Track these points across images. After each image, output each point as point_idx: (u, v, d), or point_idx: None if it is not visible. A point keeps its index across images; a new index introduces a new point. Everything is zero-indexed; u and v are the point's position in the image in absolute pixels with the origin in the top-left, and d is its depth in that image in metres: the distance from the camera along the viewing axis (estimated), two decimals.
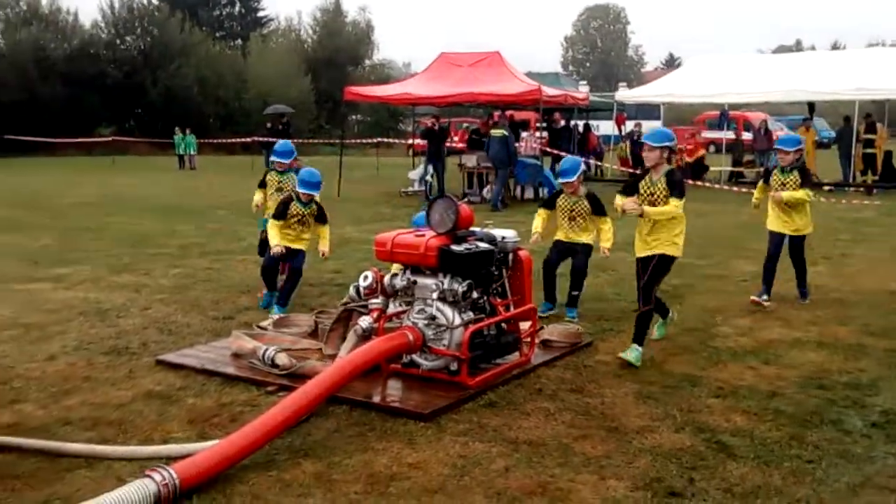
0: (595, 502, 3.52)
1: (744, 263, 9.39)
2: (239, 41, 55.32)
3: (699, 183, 18.91)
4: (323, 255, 7.48)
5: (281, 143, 8.24)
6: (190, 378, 5.22)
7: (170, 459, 3.79)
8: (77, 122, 38.70)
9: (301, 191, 7.18)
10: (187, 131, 30.77)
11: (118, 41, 44.28)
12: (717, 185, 18.99)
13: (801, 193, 7.20)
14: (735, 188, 18.02)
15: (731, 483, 3.72)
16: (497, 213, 14.65)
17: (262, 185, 8.21)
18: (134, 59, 43.22)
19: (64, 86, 38.98)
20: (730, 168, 22.76)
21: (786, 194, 7.22)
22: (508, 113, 19.51)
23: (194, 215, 14.60)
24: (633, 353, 5.45)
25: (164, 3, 47.16)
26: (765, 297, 7.32)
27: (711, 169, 22.68)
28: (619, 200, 5.76)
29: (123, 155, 33.68)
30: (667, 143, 5.63)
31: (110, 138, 34.86)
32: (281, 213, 7.18)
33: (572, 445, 4.14)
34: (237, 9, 60.75)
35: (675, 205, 5.55)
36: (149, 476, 3.43)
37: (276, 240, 7.01)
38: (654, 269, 5.56)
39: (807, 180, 7.31)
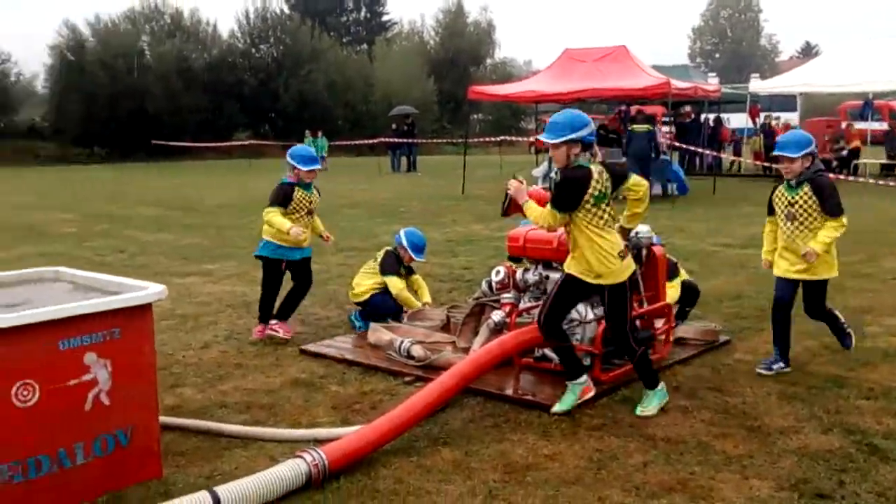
0: (738, 501, 3.44)
1: (894, 261, 8.84)
2: (365, 46, 56.93)
3: (850, 178, 17.89)
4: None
5: (301, 148, 6.47)
6: (332, 367, 5.48)
7: (318, 442, 4.00)
8: (217, 127, 41.05)
9: (415, 257, 6.56)
10: (319, 134, 31.90)
11: (253, 50, 46.60)
12: (869, 180, 17.93)
13: (826, 234, 4.91)
14: (891, 182, 16.97)
15: (884, 487, 3.55)
16: None
17: (285, 203, 6.06)
18: (268, 67, 45.36)
19: (205, 94, 41.39)
20: (884, 161, 21.41)
21: (816, 244, 4.89)
22: (635, 108, 19.13)
23: (327, 214, 15.14)
24: None
25: (296, 11, 49.23)
26: (777, 365, 5.15)
27: (859, 161, 21.41)
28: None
29: (259, 158, 35.36)
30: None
31: (247, 142, 36.70)
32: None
33: (712, 443, 4.06)
34: (363, 14, 62.56)
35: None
36: (300, 457, 3.64)
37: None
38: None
39: (829, 201, 4.90)
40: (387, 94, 44.62)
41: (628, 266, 4.41)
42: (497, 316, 5.20)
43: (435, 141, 38.56)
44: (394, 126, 30.03)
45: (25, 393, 3.23)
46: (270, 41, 46.97)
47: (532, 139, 27.42)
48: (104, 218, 14.91)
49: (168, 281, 8.57)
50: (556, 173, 17.91)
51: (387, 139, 30.02)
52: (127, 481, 3.60)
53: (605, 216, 4.32)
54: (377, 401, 4.81)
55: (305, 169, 6.13)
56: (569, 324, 4.93)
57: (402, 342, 5.44)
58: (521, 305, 5.39)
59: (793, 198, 5.01)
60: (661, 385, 4.57)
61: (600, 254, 4.28)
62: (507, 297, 5.33)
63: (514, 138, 35.51)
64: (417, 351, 5.36)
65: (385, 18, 62.53)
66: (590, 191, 4.22)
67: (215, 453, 4.02)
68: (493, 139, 33.21)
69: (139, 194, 20.16)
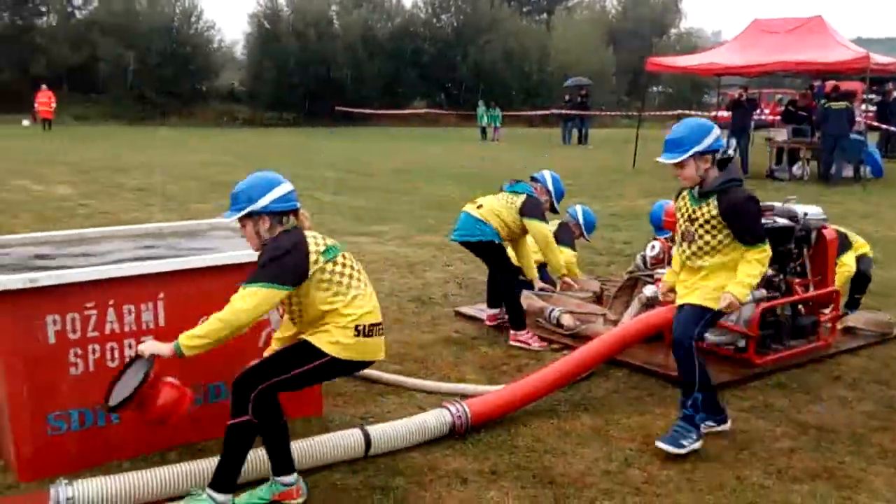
0: (888, 495, 3.29)
1: None
2: (544, 15, 56.39)
3: None
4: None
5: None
6: (483, 329, 5.69)
7: (463, 396, 4.22)
8: (395, 95, 42.46)
9: (586, 235, 6.47)
10: (492, 104, 32.17)
11: (434, 19, 47.53)
12: None
13: (748, 272, 3.64)
14: None
15: None
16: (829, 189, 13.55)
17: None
18: (447, 36, 46.13)
19: (386, 62, 42.84)
20: None
21: (736, 288, 3.62)
22: (831, 83, 17.79)
23: (494, 184, 15.41)
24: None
25: None
26: (708, 424, 3.87)
27: None
28: None
29: (433, 126, 36.28)
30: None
31: (423, 111, 37.71)
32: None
33: (868, 436, 3.87)
34: None
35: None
36: (446, 408, 3.87)
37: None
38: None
39: (744, 225, 3.65)
40: (563, 64, 44.11)
41: None
42: (649, 291, 5.17)
43: (609, 113, 37.77)
44: (567, 98, 29.70)
45: None
46: (451, 10, 47.68)
47: (713, 114, 26.23)
48: (291, 179, 15.94)
49: (340, 239, 9.16)
50: (734, 150, 16.82)
51: (559, 111, 29.79)
52: (292, 415, 3.97)
53: None
54: (523, 364, 4.97)
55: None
56: None
57: (552, 310, 5.54)
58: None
59: (694, 212, 3.79)
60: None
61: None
62: (662, 272, 5.27)
63: (693, 112, 34.06)
64: (567, 320, 5.45)
65: None
66: None
67: (370, 398, 4.35)
68: (670, 113, 32.05)
69: (321, 157, 21.35)
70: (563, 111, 29.14)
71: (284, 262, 3.05)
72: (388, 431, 3.67)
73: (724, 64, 17.85)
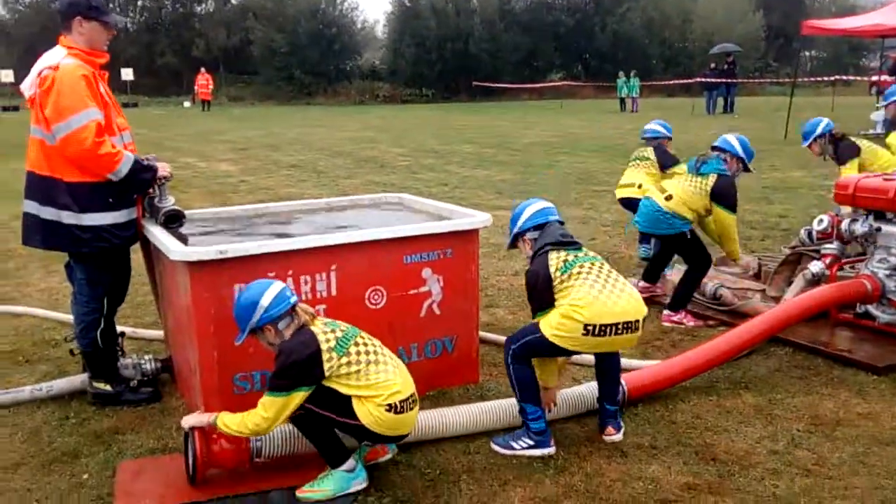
0: None
1: None
2: None
3: None
4: None
5: None
6: None
7: None
8: (532, 69, 42.15)
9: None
10: (632, 74, 31.33)
11: None
12: None
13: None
14: None
15: None
16: None
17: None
18: (585, 7, 45.20)
19: (523, 35, 42.57)
20: None
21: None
22: None
23: (626, 155, 15.07)
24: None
25: None
26: None
27: None
28: None
29: (571, 98, 35.75)
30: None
31: (560, 83, 37.21)
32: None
33: None
34: None
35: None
36: None
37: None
38: None
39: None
40: (706, 30, 42.29)
41: None
42: (816, 267, 4.94)
43: (757, 80, 35.88)
44: (713, 65, 28.44)
45: (376, 297, 3.86)
46: None
47: (874, 78, 24.34)
48: (430, 153, 16.28)
49: (484, 210, 9.26)
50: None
51: (703, 79, 28.59)
52: (450, 382, 4.14)
53: None
54: (677, 340, 4.89)
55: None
56: None
57: (709, 285, 5.41)
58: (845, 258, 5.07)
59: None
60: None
61: None
62: (830, 247, 5.03)
63: (851, 77, 31.75)
64: (725, 294, 5.30)
65: None
66: None
67: None
68: (825, 78, 30.06)
69: (460, 132, 21.59)
70: (708, 79, 27.93)
71: (299, 369, 3.00)
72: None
73: (889, 25, 16.55)
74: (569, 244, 3.51)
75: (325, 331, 3.10)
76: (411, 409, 3.14)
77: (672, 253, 5.55)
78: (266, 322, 3.10)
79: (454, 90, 40.86)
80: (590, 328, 3.31)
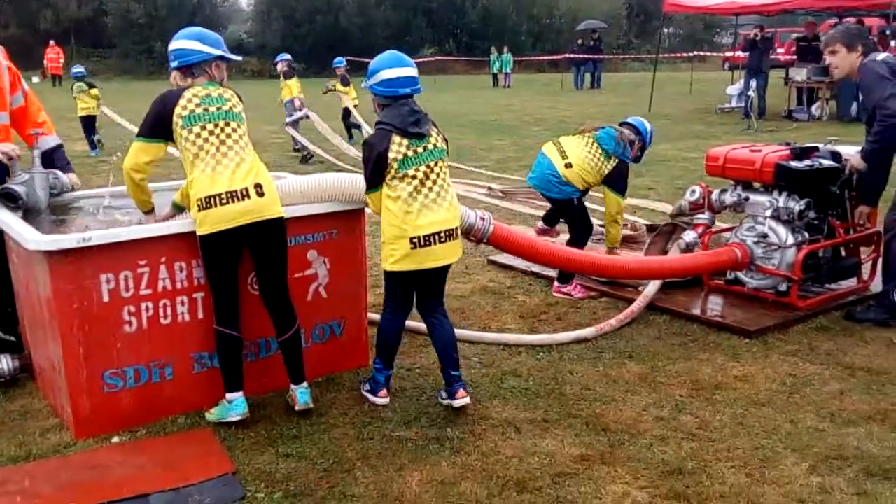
0: None
1: None
2: None
3: None
4: None
5: None
6: (518, 279, 5.68)
7: (506, 346, 4.26)
8: (404, 44, 41.82)
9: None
10: (505, 49, 31.71)
11: None
12: None
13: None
14: None
15: None
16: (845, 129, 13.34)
17: None
18: None
19: (394, 10, 42.17)
20: None
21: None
22: (850, 20, 17.35)
23: (509, 131, 15.29)
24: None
25: None
26: None
27: None
28: None
29: (444, 74, 35.77)
30: None
31: (433, 58, 37.16)
32: None
33: None
34: None
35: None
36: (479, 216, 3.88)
37: None
38: None
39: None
40: (572, 7, 43.35)
41: None
42: (689, 236, 5.12)
43: (621, 57, 37.19)
44: (580, 41, 29.20)
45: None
46: None
47: (728, 55, 25.74)
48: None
49: None
50: (752, 91, 16.48)
51: (571, 55, 29.34)
52: (339, 367, 4.01)
53: None
54: (563, 312, 4.96)
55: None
56: (766, 248, 4.78)
57: None
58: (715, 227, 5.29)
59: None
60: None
61: None
62: (702, 217, 5.23)
63: (706, 53, 33.49)
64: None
65: None
66: None
67: (415, 349, 4.35)
68: (684, 55, 31.52)
69: (328, 108, 21.14)
70: (576, 55, 28.68)
71: (150, 118, 3.35)
72: None
73: (742, 3, 17.47)
74: (414, 135, 3.44)
75: (193, 99, 3.30)
76: (223, 204, 3.23)
77: (573, 224, 5.50)
78: (173, 67, 3.37)
79: (325, 65, 39.95)
80: (415, 241, 3.41)
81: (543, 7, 45.30)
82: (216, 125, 3.31)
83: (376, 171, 3.44)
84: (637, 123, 5.34)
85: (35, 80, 34.01)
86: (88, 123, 13.38)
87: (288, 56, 13.75)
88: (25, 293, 3.71)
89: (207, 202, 3.22)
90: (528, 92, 27.30)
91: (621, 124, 5.32)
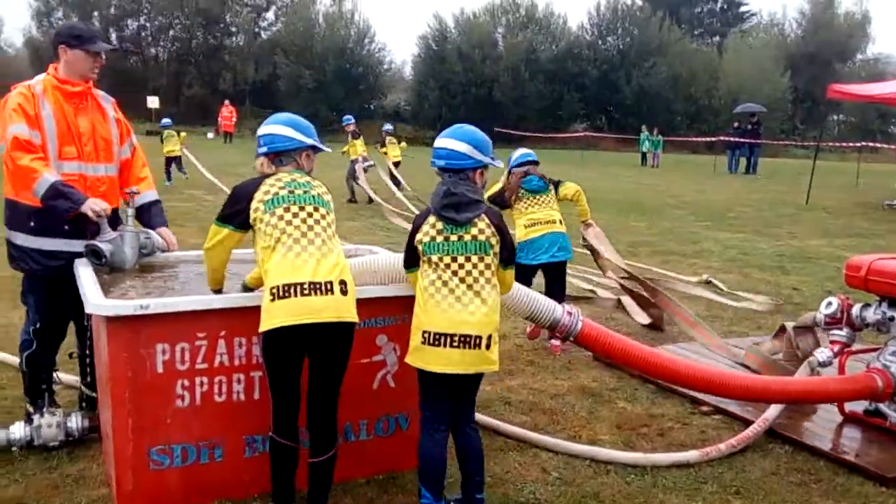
0: None
1: None
2: (716, 38, 54.21)
3: None
4: None
5: None
6: (624, 380, 5.18)
7: (594, 461, 3.79)
8: (556, 118, 42.12)
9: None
10: (655, 131, 31.11)
11: (599, 41, 46.87)
12: None
13: None
14: None
15: None
16: None
17: None
18: (612, 59, 45.29)
19: (548, 84, 42.65)
20: None
21: None
22: None
23: (649, 213, 14.68)
24: None
25: (647, 2, 48.43)
26: None
27: None
28: None
29: (593, 150, 35.51)
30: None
31: (582, 133, 37.04)
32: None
33: None
34: (718, 5, 59.48)
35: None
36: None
37: None
38: None
39: None
40: (733, 89, 42.12)
41: None
42: (822, 355, 4.46)
43: (782, 143, 35.47)
44: (736, 124, 28.14)
45: None
46: (618, 32, 46.82)
47: None
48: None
49: None
50: None
51: (727, 137, 28.25)
52: (402, 465, 3.69)
53: None
54: (667, 427, 4.42)
55: None
56: None
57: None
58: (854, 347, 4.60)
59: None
60: None
61: None
62: (839, 334, 4.56)
63: (878, 144, 31.25)
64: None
65: (743, 10, 58.85)
66: None
67: (490, 454, 3.95)
68: (852, 144, 29.59)
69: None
70: (732, 138, 27.59)
71: (230, 204, 3.13)
72: None
73: None
74: (448, 219, 3.07)
75: (276, 183, 3.08)
76: (304, 294, 2.92)
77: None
78: (261, 153, 3.21)
79: None
80: (426, 335, 3.06)
81: (701, 88, 44.35)
82: (302, 208, 3.05)
83: (409, 249, 3.19)
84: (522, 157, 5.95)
85: (210, 135, 36.83)
86: (172, 161, 17.02)
87: (352, 118, 16.63)
88: (97, 352, 3.69)
89: (286, 291, 2.91)
90: (677, 173, 26.44)
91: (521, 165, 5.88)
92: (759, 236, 11.95)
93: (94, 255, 3.68)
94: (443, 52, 43.88)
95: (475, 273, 3.08)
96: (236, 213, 3.09)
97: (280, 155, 3.18)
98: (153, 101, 36.59)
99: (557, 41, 45.80)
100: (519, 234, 5.67)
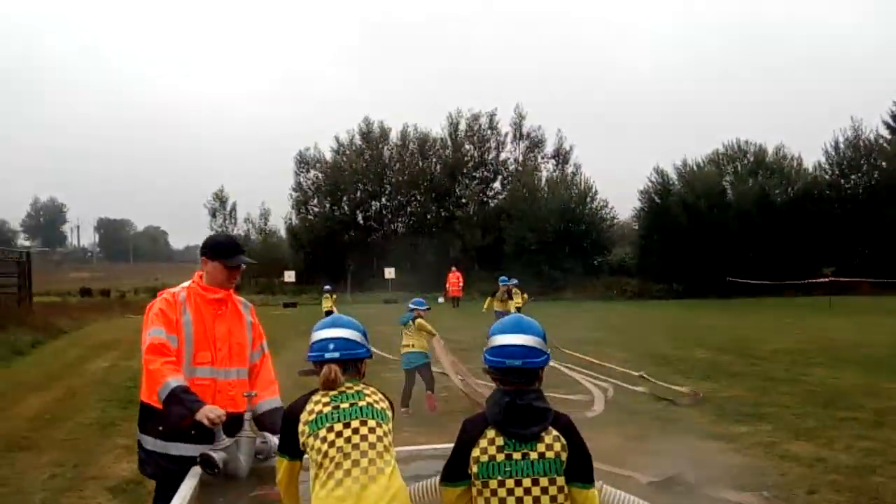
0: None
1: None
2: None
3: None
4: None
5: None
6: None
7: None
8: (797, 263, 39.05)
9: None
10: None
11: (842, 180, 43.66)
12: None
13: None
14: None
15: None
16: None
17: None
18: (858, 197, 41.83)
19: (785, 229, 40.03)
20: None
21: None
22: None
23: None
24: None
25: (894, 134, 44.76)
26: None
27: None
28: None
29: (843, 296, 32.12)
30: None
31: (828, 279, 33.73)
32: None
33: None
34: None
35: None
36: None
37: None
38: None
39: None
40: None
41: None
42: None
43: None
44: None
45: None
46: (863, 169, 43.36)
47: None
48: (656, 359, 14.84)
49: (696, 441, 7.77)
50: None
51: None
52: None
53: None
54: None
55: None
56: None
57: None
58: None
59: None
60: None
61: None
62: None
63: None
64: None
65: None
66: None
67: None
68: None
69: (700, 334, 19.88)
70: None
71: (282, 434, 2.84)
72: None
73: None
74: (513, 434, 2.47)
75: (323, 398, 2.76)
76: None
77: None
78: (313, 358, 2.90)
79: (705, 287, 38.78)
80: None
81: None
82: (346, 424, 2.68)
83: (457, 461, 2.55)
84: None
85: (440, 300, 38.45)
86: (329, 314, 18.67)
87: (507, 279, 19.83)
88: None
89: None
90: None
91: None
92: None
93: (207, 464, 3.57)
94: (666, 203, 43.16)
95: (544, 500, 2.47)
96: (287, 441, 2.80)
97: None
98: (389, 273, 39.28)
99: (793, 184, 43.31)
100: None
